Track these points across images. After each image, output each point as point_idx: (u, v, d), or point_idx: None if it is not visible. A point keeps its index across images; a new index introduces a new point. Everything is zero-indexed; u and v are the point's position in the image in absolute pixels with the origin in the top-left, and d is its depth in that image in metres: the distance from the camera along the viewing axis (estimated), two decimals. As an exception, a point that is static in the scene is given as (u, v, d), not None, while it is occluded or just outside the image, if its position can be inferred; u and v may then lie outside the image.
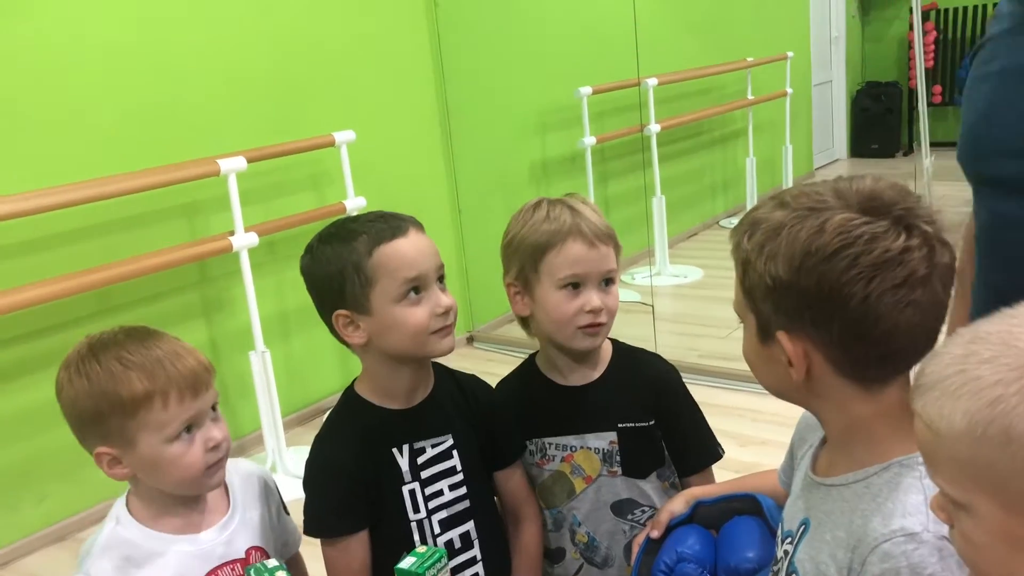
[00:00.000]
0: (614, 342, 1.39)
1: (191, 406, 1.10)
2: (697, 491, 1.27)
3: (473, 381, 1.36)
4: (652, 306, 3.88)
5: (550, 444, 1.35)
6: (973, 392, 0.67)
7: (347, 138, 3.27)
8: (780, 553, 1.01)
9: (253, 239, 2.93)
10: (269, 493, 1.28)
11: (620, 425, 1.33)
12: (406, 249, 1.20)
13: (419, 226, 1.25)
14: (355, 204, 3.29)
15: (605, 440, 1.33)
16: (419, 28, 3.83)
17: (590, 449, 1.34)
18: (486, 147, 4.15)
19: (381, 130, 3.61)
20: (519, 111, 4.37)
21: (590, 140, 4.45)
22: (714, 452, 1.39)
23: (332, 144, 3.25)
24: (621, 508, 1.35)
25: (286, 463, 3.01)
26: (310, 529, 1.25)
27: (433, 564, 1.03)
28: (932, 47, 6.85)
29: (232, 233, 2.90)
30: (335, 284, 1.20)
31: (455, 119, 3.99)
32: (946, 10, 6.93)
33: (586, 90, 4.39)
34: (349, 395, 1.29)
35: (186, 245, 2.93)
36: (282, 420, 3.05)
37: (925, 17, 6.78)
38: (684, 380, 1.41)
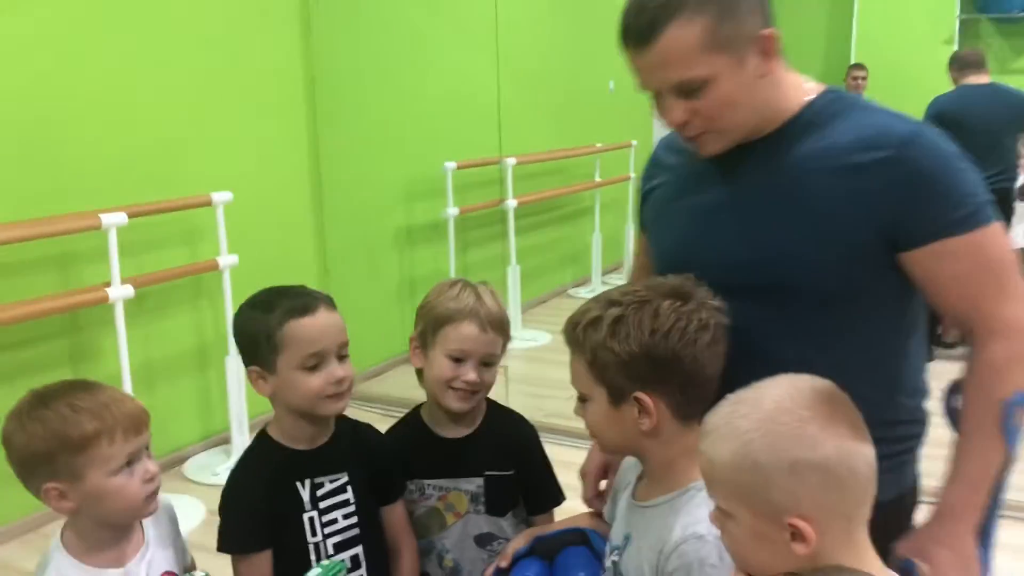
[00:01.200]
0: (489, 402, 1.65)
1: (133, 442, 1.27)
2: (535, 530, 1.56)
3: (367, 428, 1.59)
4: (506, 367, 4.18)
5: (428, 485, 1.60)
6: (735, 436, 0.99)
7: (224, 198, 3.43)
8: (608, 564, 1.30)
9: (129, 291, 3.03)
10: (173, 521, 1.46)
11: (487, 473, 1.60)
12: (311, 327, 1.42)
13: (331, 304, 1.47)
14: (227, 261, 3.45)
15: (474, 484, 1.59)
16: (297, 97, 4.06)
17: (461, 491, 1.60)
18: (355, 212, 4.38)
19: (256, 191, 3.78)
20: (388, 180, 4.64)
21: (453, 211, 4.76)
22: (557, 497, 1.68)
23: (209, 203, 3.40)
24: (483, 540, 1.61)
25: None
26: (223, 546, 1.44)
27: (338, 571, 1.25)
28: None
29: (108, 284, 3.00)
30: (251, 344, 1.44)
31: (327, 185, 4.22)
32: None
33: (451, 164, 4.72)
34: (261, 435, 1.50)
35: (60, 295, 3.01)
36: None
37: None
38: (535, 437, 1.69)
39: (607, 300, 1.22)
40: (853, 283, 1.23)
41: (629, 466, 1.39)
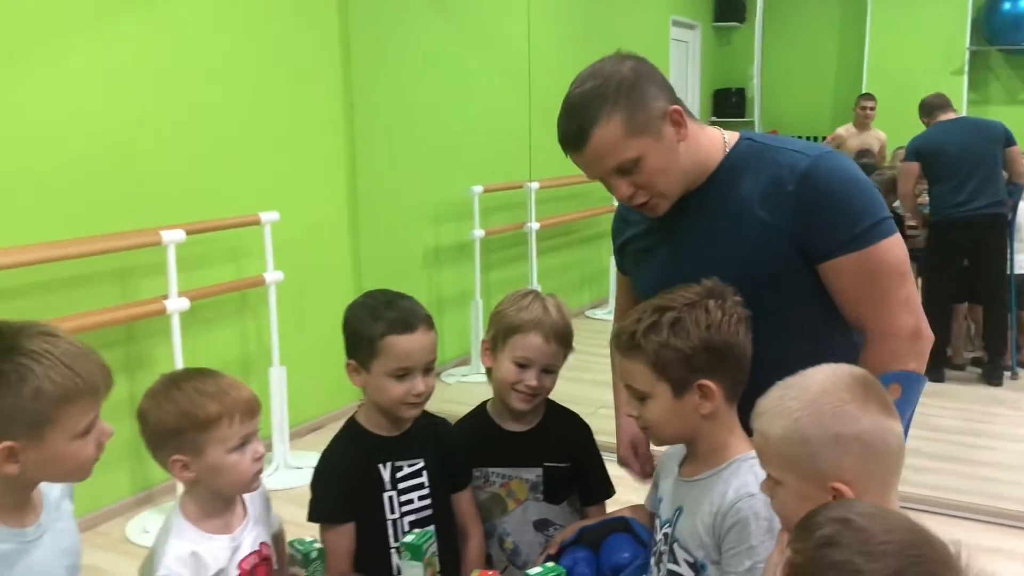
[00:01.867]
0: (548, 400, 1.82)
1: (247, 425, 1.46)
2: (582, 523, 1.72)
3: (443, 422, 1.78)
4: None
5: (492, 472, 1.78)
6: (786, 415, 1.17)
7: (271, 218, 3.64)
8: (659, 536, 1.48)
9: (185, 304, 3.23)
10: (267, 501, 1.64)
11: (545, 464, 1.77)
12: (406, 344, 1.60)
13: (429, 324, 1.64)
14: (273, 277, 3.65)
15: (533, 474, 1.77)
16: (337, 124, 4.28)
17: (522, 479, 1.77)
18: (388, 233, 4.59)
19: (299, 211, 3.99)
20: (419, 202, 4.86)
21: (479, 232, 4.97)
22: (608, 490, 1.85)
23: (258, 223, 3.61)
24: (540, 525, 1.78)
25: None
26: (312, 516, 1.63)
27: (427, 540, 1.44)
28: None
29: (166, 297, 3.20)
30: (354, 341, 1.63)
31: (363, 206, 4.43)
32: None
33: (478, 188, 4.93)
34: (351, 422, 1.69)
35: (120, 307, 3.20)
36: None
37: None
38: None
39: (654, 308, 1.41)
40: (785, 292, 1.49)
41: (669, 457, 1.58)
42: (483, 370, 1.83)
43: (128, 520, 3.31)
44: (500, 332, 1.73)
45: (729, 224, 1.51)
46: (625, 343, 1.42)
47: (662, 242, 1.62)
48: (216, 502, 1.49)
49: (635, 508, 1.70)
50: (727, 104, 9.01)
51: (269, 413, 3.75)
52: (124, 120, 3.29)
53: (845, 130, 6.83)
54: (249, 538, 1.52)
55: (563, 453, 1.77)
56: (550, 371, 1.73)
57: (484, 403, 1.84)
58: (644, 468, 1.78)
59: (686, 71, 8.20)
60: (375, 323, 1.60)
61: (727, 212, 1.52)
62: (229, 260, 3.76)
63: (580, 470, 1.80)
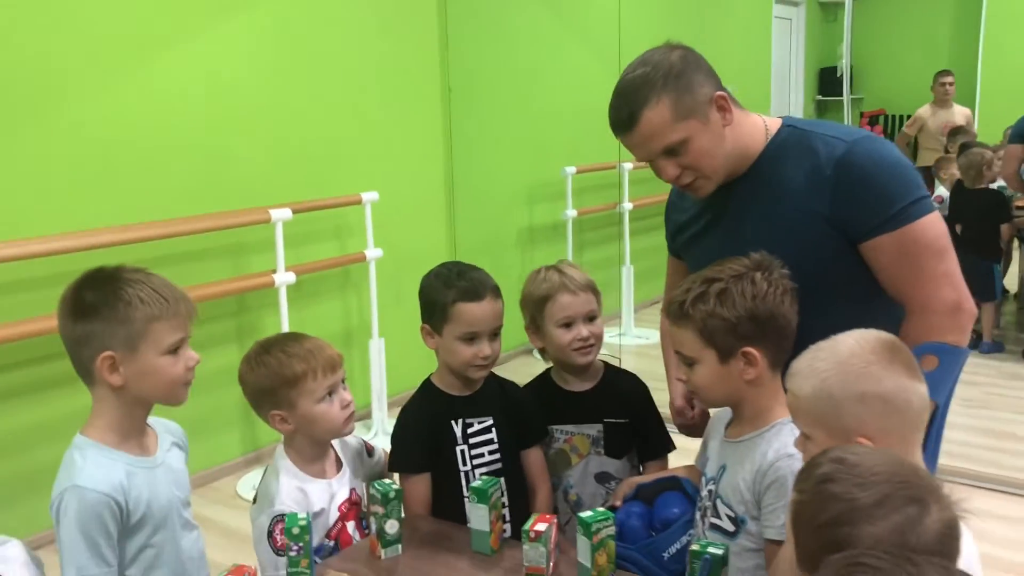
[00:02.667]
0: (605, 363, 1.95)
1: (331, 378, 1.64)
2: (638, 479, 1.83)
3: (511, 384, 1.93)
4: (620, 360, 4.47)
5: (556, 430, 1.91)
6: (815, 375, 1.26)
7: (371, 198, 3.85)
8: (705, 492, 1.58)
9: (291, 278, 3.48)
10: (359, 453, 1.82)
11: (605, 420, 1.90)
12: (474, 311, 1.76)
13: (496, 293, 1.79)
14: (374, 254, 3.87)
15: (594, 429, 1.90)
16: (435, 107, 4.47)
17: (584, 435, 1.90)
18: (483, 212, 4.76)
19: (398, 191, 4.20)
20: (513, 183, 5.01)
21: (572, 212, 5.08)
22: (668, 445, 1.95)
23: (359, 202, 3.83)
24: (601, 478, 1.91)
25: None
26: (392, 466, 1.81)
27: (493, 486, 1.58)
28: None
29: (275, 271, 3.44)
30: (428, 307, 1.80)
31: (459, 186, 4.61)
32: (893, 116, 7.76)
33: (571, 169, 5.04)
34: (427, 383, 1.86)
35: (232, 280, 3.47)
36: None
37: (873, 121, 7.61)
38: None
39: (703, 279, 1.51)
40: (829, 270, 1.57)
41: (717, 419, 1.67)
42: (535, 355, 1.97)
43: (239, 478, 3.59)
44: (535, 309, 1.88)
45: (773, 208, 1.61)
46: (675, 312, 1.52)
47: (712, 225, 1.72)
48: (314, 449, 1.68)
49: (688, 468, 1.81)
50: (833, 82, 8.79)
51: (368, 382, 3.98)
52: (237, 108, 3.55)
53: (925, 110, 6.68)
54: (344, 486, 1.71)
55: (622, 410, 1.90)
56: (592, 318, 1.86)
57: (547, 370, 1.98)
58: (700, 419, 1.86)
59: (789, 49, 8.06)
60: (447, 291, 1.76)
61: (771, 197, 1.61)
62: (333, 238, 4.00)
63: (638, 427, 1.92)
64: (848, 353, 1.26)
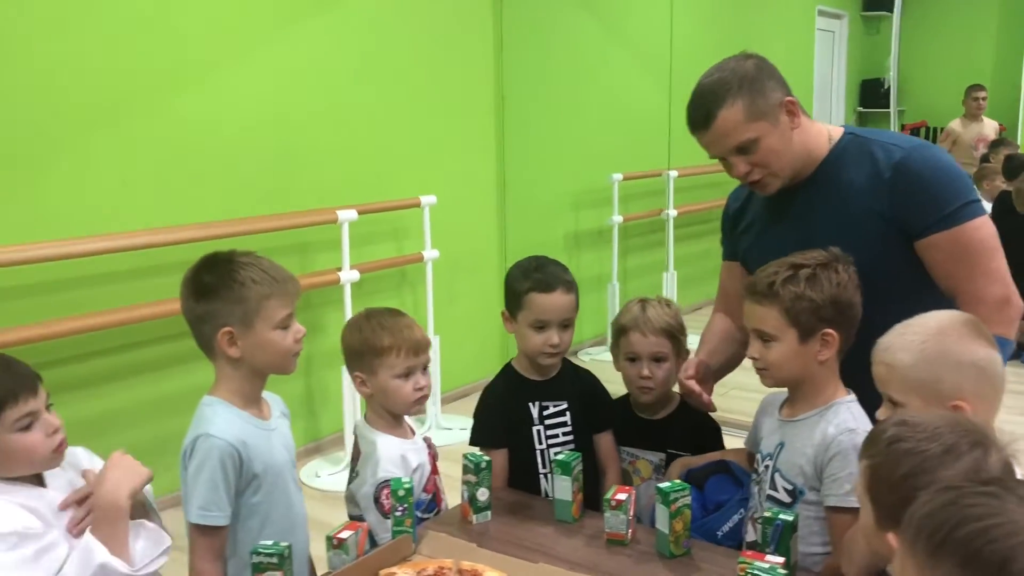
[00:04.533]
0: (682, 399, 2.02)
1: (412, 360, 1.78)
2: (687, 460, 1.95)
3: (586, 371, 2.06)
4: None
5: (623, 450, 2.04)
6: (912, 346, 1.39)
7: (430, 201, 4.01)
8: (762, 468, 1.70)
9: (356, 276, 3.64)
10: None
11: (668, 450, 2.01)
12: (544, 301, 1.89)
13: (568, 287, 1.91)
14: (431, 255, 4.02)
15: (657, 457, 2.02)
16: (489, 115, 4.63)
17: (647, 460, 2.02)
18: (532, 217, 4.90)
19: (453, 195, 4.35)
20: (562, 188, 5.16)
21: (618, 218, 5.21)
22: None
23: (418, 205, 3.99)
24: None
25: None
26: (473, 441, 1.95)
27: (575, 459, 1.72)
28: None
29: (340, 269, 3.61)
30: (508, 295, 1.94)
31: (510, 193, 4.76)
32: (934, 128, 7.80)
33: (617, 176, 5.18)
34: (507, 366, 2.00)
35: (298, 276, 3.63)
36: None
37: (914, 133, 7.66)
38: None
39: (790, 264, 1.62)
40: (887, 266, 1.69)
41: (768, 403, 1.79)
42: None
43: (302, 467, 3.76)
44: (615, 337, 2.05)
45: (837, 208, 1.74)
46: (763, 290, 1.63)
47: (778, 225, 1.85)
48: (389, 416, 1.83)
49: (736, 451, 1.93)
50: (875, 94, 8.85)
51: (423, 378, 4.12)
52: (306, 114, 3.73)
53: (957, 123, 6.74)
54: (422, 442, 1.87)
55: (686, 443, 2.01)
56: (660, 360, 1.98)
57: (627, 393, 2.11)
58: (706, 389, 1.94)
59: (832, 61, 8.14)
60: (524, 281, 1.91)
61: (836, 197, 1.75)
62: (390, 239, 4.17)
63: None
64: (938, 327, 1.40)
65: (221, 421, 1.57)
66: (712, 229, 6.93)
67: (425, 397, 1.84)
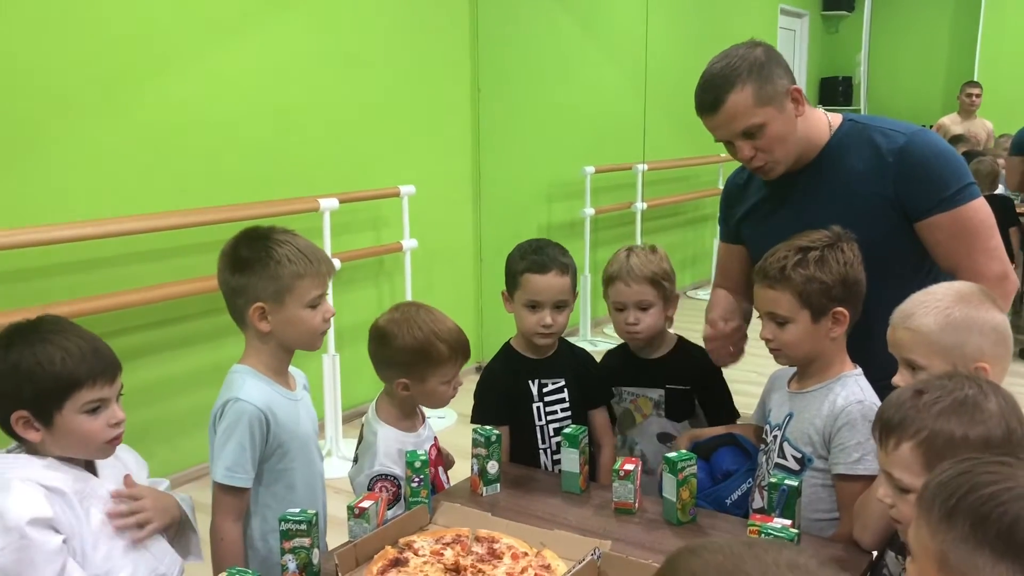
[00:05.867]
0: (680, 337, 2.12)
1: (459, 368, 1.80)
2: (694, 433, 2.00)
3: (582, 350, 2.12)
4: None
5: (624, 391, 2.10)
6: (937, 311, 1.46)
7: (409, 191, 4.04)
8: (770, 438, 1.77)
9: (337, 264, 3.64)
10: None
11: (667, 386, 2.07)
12: (537, 282, 1.94)
13: (563, 270, 1.96)
14: (409, 244, 4.05)
15: (656, 393, 2.08)
16: (465, 109, 4.66)
17: (647, 398, 2.09)
18: (507, 209, 4.95)
19: (430, 186, 4.38)
20: (535, 181, 5.21)
21: (589, 211, 5.28)
22: (733, 413, 2.10)
23: (397, 195, 4.01)
24: (662, 438, 2.08)
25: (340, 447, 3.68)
26: (474, 419, 1.99)
27: (582, 433, 1.77)
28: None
29: (320, 257, 3.62)
30: (507, 275, 1.99)
31: (485, 184, 4.80)
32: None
33: (590, 168, 5.24)
34: (507, 346, 2.05)
35: (279, 264, 3.64)
36: (342, 413, 3.74)
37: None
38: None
39: (797, 247, 1.69)
40: (890, 246, 1.77)
41: (776, 377, 1.87)
42: (590, 338, 2.14)
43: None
44: (604, 288, 2.10)
45: (840, 191, 1.82)
46: (775, 275, 1.69)
47: (781, 208, 1.92)
48: (412, 411, 1.85)
49: (743, 426, 1.99)
50: (833, 92, 9.06)
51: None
52: (289, 104, 3.73)
53: (949, 119, 6.85)
54: (427, 433, 1.89)
55: (684, 378, 2.07)
56: (644, 308, 2.02)
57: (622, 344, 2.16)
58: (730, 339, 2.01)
59: (793, 59, 8.30)
60: (520, 261, 1.97)
61: (838, 181, 1.82)
62: (371, 228, 4.18)
63: (700, 396, 2.09)
64: (957, 295, 1.48)
65: (250, 387, 1.61)
66: (679, 222, 7.13)
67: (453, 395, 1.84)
